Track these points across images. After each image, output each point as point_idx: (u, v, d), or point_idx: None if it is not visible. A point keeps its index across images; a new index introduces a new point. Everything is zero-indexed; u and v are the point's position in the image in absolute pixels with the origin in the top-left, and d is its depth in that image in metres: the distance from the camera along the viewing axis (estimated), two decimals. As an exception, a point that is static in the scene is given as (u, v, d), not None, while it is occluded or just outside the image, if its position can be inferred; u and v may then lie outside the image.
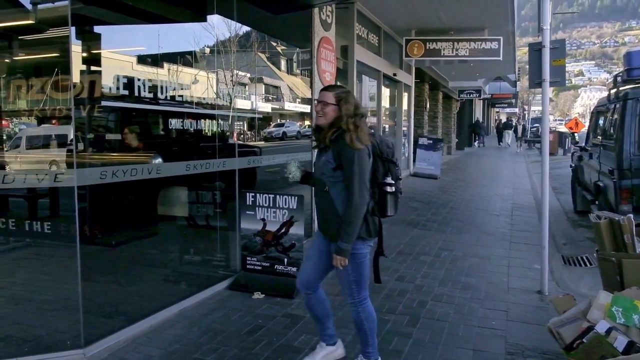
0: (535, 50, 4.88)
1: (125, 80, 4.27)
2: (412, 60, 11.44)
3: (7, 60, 5.17)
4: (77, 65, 4.18)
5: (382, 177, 3.01)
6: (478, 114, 34.66)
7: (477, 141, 29.58)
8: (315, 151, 3.16)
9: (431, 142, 13.46)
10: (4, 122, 5.62)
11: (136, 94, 4.37)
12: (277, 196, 4.78)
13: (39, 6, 4.40)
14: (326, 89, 3.04)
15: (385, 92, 11.80)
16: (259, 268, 4.82)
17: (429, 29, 10.80)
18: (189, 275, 5.09)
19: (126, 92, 4.27)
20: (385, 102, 11.99)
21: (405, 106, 13.33)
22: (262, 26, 7.50)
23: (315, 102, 3.04)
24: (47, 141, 6.25)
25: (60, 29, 4.16)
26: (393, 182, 3.03)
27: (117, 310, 4.21)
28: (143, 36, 5.45)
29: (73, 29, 3.62)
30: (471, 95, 24.29)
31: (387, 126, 12.10)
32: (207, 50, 6.76)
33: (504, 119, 38.90)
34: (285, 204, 4.73)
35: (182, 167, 4.37)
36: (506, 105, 43.10)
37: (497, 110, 51.53)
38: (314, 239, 3.25)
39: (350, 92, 3.05)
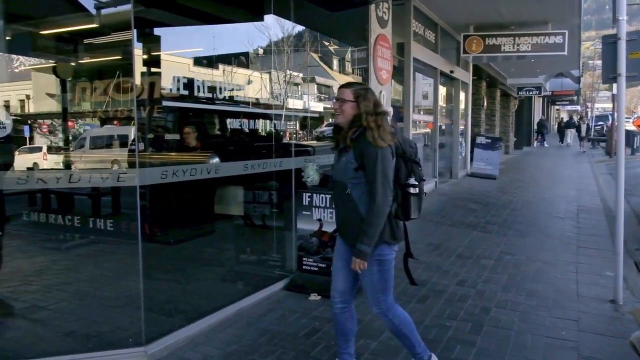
0: (610, 43, 4.57)
1: (183, 82, 4.31)
2: (469, 57, 11.10)
3: (72, 64, 5.33)
4: (137, 67, 4.26)
5: (404, 178, 2.83)
6: (537, 111, 33.38)
7: (541, 140, 28.46)
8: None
9: (489, 141, 13.02)
10: (69, 123, 5.82)
11: (194, 94, 4.40)
12: (334, 196, 4.69)
13: (103, 10, 4.51)
14: (344, 85, 2.88)
15: (442, 89, 11.52)
16: (315, 269, 4.75)
17: (488, 24, 10.43)
18: (246, 274, 5.10)
19: (184, 93, 4.32)
20: (442, 100, 11.70)
21: (462, 104, 12.96)
22: (317, 25, 7.45)
23: (334, 100, 2.90)
24: (109, 141, 6.45)
25: (122, 32, 4.25)
26: (416, 183, 2.85)
27: (176, 309, 4.25)
28: (199, 39, 5.52)
29: (134, 31, 3.66)
30: (531, 93, 23.36)
31: (443, 125, 11.80)
32: (261, 51, 6.79)
33: (565, 117, 37.19)
34: (342, 205, 4.63)
35: (240, 167, 4.36)
36: (567, 102, 41.20)
37: (557, 107, 49.42)
38: (336, 248, 3.06)
39: (370, 89, 2.89)
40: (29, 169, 5.50)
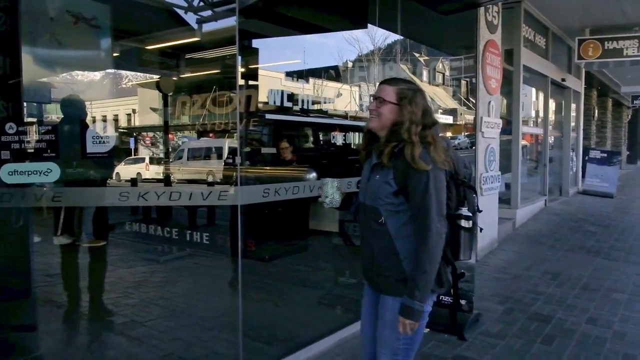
0: None
1: (287, 94, 4.14)
2: (582, 63, 10.14)
3: (174, 79, 5.38)
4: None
5: (455, 206, 2.18)
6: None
7: None
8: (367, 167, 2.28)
9: (605, 155, 11.81)
10: (170, 135, 5.91)
11: (293, 107, 4.22)
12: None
13: (204, 25, 4.45)
14: (386, 81, 2.20)
15: (552, 99, 10.61)
16: (422, 298, 4.31)
17: (608, 26, 9.42)
18: (345, 298, 4.77)
19: (287, 105, 4.14)
20: (552, 111, 10.77)
21: (573, 115, 11.89)
22: (417, 34, 7.09)
23: (371, 98, 2.26)
24: (206, 153, 6.52)
25: (225, 47, 4.15)
26: (470, 214, 2.18)
27: (274, 335, 4.00)
28: (289, 52, 5.42)
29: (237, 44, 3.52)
30: (648, 101, 21.21)
31: (552, 138, 10.86)
32: (350, 63, 6.59)
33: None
34: (453, 227, 4.18)
35: (344, 185, 4.06)
36: (687, 111, 37.31)
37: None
38: (364, 295, 2.36)
39: (421, 90, 2.19)
40: (132, 178, 5.65)
